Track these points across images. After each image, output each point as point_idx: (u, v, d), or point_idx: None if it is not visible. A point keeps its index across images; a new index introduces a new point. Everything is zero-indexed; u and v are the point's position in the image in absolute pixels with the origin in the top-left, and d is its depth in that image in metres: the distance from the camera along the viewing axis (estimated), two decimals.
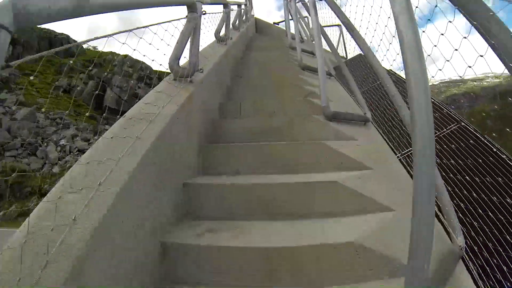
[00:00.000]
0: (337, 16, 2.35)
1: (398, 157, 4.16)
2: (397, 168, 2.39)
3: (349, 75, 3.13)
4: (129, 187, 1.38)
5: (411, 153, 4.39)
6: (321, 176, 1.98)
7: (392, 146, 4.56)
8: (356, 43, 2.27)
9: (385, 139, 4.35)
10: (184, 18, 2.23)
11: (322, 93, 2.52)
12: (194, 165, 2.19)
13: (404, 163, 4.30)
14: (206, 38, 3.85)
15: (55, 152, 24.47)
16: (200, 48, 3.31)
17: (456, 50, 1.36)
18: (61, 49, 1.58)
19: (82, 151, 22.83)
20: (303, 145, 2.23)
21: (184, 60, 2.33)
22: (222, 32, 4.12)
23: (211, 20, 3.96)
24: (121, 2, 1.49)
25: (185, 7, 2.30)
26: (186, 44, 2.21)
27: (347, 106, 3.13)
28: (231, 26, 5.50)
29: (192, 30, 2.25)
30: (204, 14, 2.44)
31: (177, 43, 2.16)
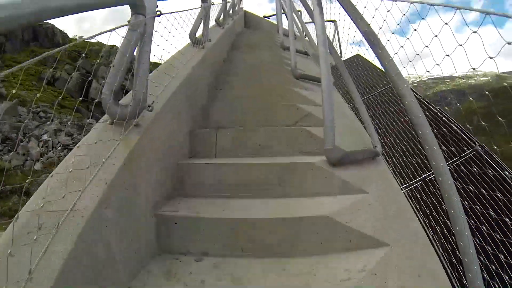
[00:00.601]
0: (356, 24, 1.63)
1: (402, 189, 3.53)
2: (419, 236, 1.74)
3: (357, 95, 2.45)
4: None
5: (419, 184, 3.78)
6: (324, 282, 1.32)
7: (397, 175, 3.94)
8: (379, 60, 1.57)
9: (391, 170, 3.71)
10: (124, 26, 1.49)
11: (328, 132, 1.82)
12: (147, 246, 1.51)
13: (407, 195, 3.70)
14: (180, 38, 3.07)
15: (37, 148, 23.34)
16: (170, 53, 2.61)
17: (447, 56, 1.28)
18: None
19: (65, 147, 21.77)
20: (300, 222, 1.54)
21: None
22: (200, 33, 3.37)
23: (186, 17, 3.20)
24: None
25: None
26: (127, 66, 1.48)
27: (353, 133, 2.44)
28: (214, 22, 4.74)
29: (136, 45, 1.51)
30: (158, 15, 1.70)
31: (112, 66, 1.43)
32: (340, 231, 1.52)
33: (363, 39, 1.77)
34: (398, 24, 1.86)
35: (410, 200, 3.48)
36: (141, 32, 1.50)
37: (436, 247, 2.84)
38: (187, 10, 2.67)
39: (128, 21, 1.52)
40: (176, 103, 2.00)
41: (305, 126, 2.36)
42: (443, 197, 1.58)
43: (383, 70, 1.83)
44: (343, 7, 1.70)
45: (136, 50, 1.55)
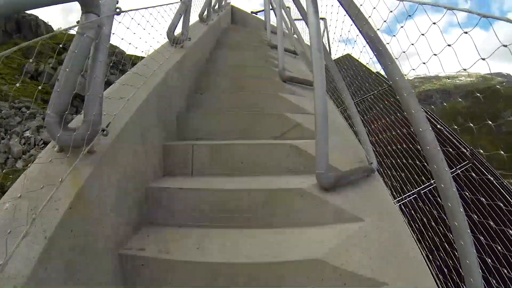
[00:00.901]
0: (359, 29, 1.38)
1: (395, 203, 3.34)
2: (419, 269, 1.52)
3: (351, 102, 2.22)
4: None
5: (412, 197, 3.61)
6: None
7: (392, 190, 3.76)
8: (387, 74, 1.32)
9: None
10: (72, 27, 1.21)
11: (320, 155, 1.57)
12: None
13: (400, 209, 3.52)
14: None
15: (19, 145, 22.49)
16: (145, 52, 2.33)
17: (435, 55, 1.18)
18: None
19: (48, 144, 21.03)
20: (288, 266, 1.30)
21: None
22: (179, 31, 3.07)
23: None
24: None
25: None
26: (76, 79, 1.19)
27: (346, 147, 2.20)
28: (197, 18, 4.43)
29: (88, 53, 1.23)
30: (118, 14, 1.42)
31: (57, 81, 1.14)
32: (334, 273, 1.29)
33: (360, 38, 1.54)
34: (385, 21, 1.63)
35: (406, 214, 3.31)
36: (91, 36, 1.21)
37: (433, 271, 2.68)
38: (161, 5, 2.35)
39: (77, 22, 1.24)
40: (144, 118, 1.71)
41: (293, 138, 2.13)
42: (442, 199, 1.39)
43: (379, 75, 1.61)
44: (343, 8, 1.44)
45: (91, 63, 1.26)
